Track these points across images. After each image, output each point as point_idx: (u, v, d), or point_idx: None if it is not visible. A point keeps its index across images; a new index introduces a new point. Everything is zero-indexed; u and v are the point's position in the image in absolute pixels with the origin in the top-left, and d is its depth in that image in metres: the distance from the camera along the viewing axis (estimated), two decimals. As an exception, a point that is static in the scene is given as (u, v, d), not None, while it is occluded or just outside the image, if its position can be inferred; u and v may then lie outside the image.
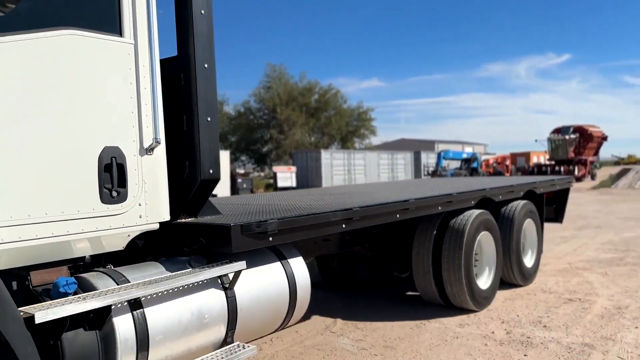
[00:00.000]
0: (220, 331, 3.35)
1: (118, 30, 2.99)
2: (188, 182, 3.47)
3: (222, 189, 28.72)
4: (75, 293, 2.72)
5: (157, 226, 3.21)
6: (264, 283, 3.68)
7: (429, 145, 69.94)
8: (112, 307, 2.77)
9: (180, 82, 3.47)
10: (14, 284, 2.72)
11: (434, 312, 5.88)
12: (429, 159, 47.13)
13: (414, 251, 5.83)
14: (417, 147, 56.17)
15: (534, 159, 50.43)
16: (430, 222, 5.77)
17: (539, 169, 42.24)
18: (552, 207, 8.58)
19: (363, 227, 4.55)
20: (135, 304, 2.89)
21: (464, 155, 44.36)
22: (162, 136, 3.16)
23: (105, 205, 2.90)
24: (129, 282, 2.97)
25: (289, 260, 3.93)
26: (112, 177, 2.91)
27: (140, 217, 3.08)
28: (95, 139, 2.86)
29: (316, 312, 6.05)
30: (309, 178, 39.16)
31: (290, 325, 4.11)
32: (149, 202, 3.13)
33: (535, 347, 4.88)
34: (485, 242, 6.13)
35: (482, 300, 5.91)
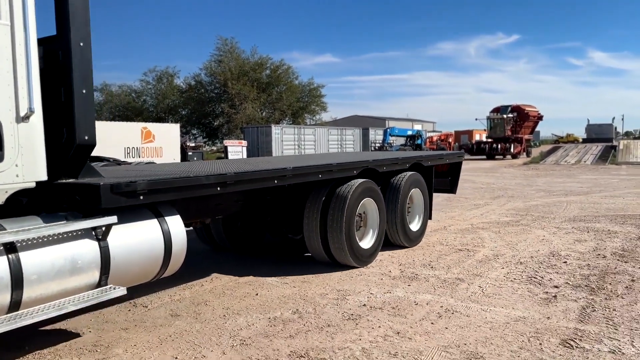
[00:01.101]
0: (95, 275, 3.91)
1: (-7, 13, 3.43)
2: (66, 146, 3.98)
3: (172, 161, 28.90)
4: None
5: (33, 185, 3.71)
6: (138, 236, 4.25)
7: (380, 122, 71.25)
8: (-13, 250, 3.29)
9: (59, 58, 3.94)
10: None
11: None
12: (377, 136, 48.26)
13: (305, 216, 6.50)
14: (369, 124, 57.20)
15: (477, 137, 52.43)
16: (320, 190, 6.45)
17: (478, 146, 44.11)
18: (447, 179, 9.44)
19: (244, 190, 5.16)
20: (10, 249, 3.41)
21: (409, 132, 45.74)
22: (37, 106, 3.64)
23: (-18, 165, 3.39)
24: (5, 229, 3.48)
25: (165, 218, 4.50)
26: (-12, 140, 3.39)
27: (17, 176, 3.58)
28: (-29, 107, 3.33)
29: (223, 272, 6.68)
30: (259, 152, 39.59)
31: (167, 276, 4.69)
32: (25, 164, 3.62)
33: (419, 280, 6.16)
34: (370, 208, 6.87)
35: (364, 258, 6.68)
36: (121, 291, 3.97)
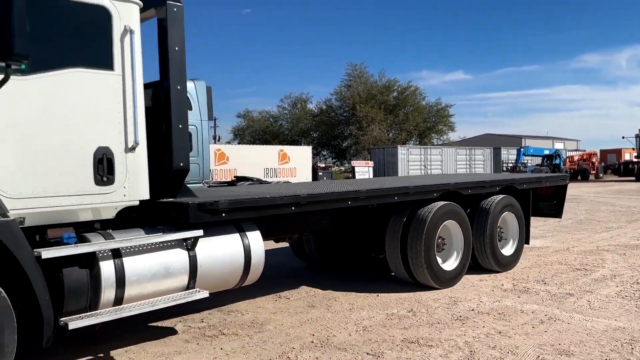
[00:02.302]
0: (184, 280, 4.68)
1: (111, 66, 4.37)
2: (165, 172, 4.83)
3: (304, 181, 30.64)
4: (75, 244, 4.15)
5: (137, 203, 4.58)
6: (222, 248, 4.97)
7: (515, 141, 67.88)
8: (100, 254, 4.18)
9: (161, 99, 4.83)
10: (37, 237, 4.18)
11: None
12: (510, 155, 46.22)
13: (387, 236, 6.86)
14: (502, 143, 54.92)
15: (626, 156, 47.79)
16: (401, 211, 6.78)
17: (626, 167, 40.27)
18: (552, 202, 9.12)
19: (324, 210, 5.68)
20: (116, 254, 4.28)
21: (546, 152, 43.17)
22: (141, 139, 4.52)
23: (99, 186, 4.31)
24: (114, 238, 4.36)
25: (247, 233, 5.19)
26: (104, 167, 4.31)
27: (124, 195, 4.47)
28: (92, 141, 4.27)
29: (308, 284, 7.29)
30: (385, 172, 40.10)
31: (247, 285, 5.36)
32: (131, 186, 4.50)
33: (529, 293, 6.63)
34: (453, 230, 7.01)
35: (445, 280, 6.83)
36: (204, 294, 4.70)
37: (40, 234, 4.20)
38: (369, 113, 53.17)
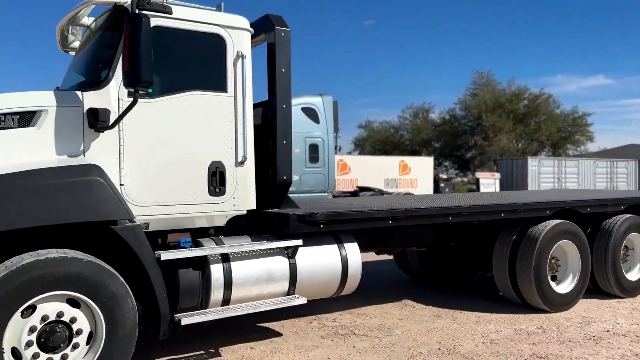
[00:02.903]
0: (285, 285, 4.99)
1: (225, 89, 4.84)
2: (271, 184, 5.20)
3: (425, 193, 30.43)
4: (190, 248, 4.64)
5: (245, 212, 4.99)
6: (320, 258, 5.22)
7: (666, 153, 60.93)
8: (211, 258, 4.63)
9: (268, 117, 5.22)
10: (159, 240, 4.74)
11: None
12: (659, 169, 41.62)
13: (494, 254, 6.66)
14: (650, 155, 49.62)
15: None
16: (511, 229, 6.55)
17: None
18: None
19: (426, 225, 5.72)
20: (225, 258, 4.71)
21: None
22: (249, 154, 4.92)
23: (212, 197, 4.77)
24: (224, 244, 4.80)
25: (345, 245, 5.39)
26: (216, 180, 4.77)
27: (234, 205, 4.90)
28: (207, 155, 4.75)
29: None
30: (514, 185, 38.18)
31: (344, 294, 5.55)
32: (240, 196, 4.92)
33: None
34: (568, 251, 6.61)
35: (558, 303, 6.46)
36: (302, 300, 4.98)
37: (162, 238, 4.76)
38: (496, 122, 51.03)
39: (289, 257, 5.03)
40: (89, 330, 3.97)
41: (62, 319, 3.86)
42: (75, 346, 3.89)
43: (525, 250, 6.32)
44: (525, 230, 6.43)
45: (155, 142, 4.52)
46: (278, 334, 5.72)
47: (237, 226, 5.35)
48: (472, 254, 7.21)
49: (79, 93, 4.29)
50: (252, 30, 5.04)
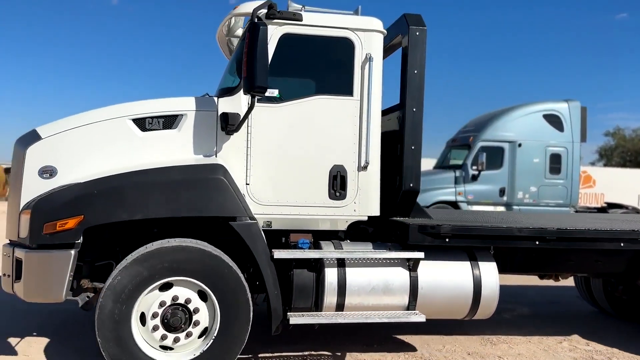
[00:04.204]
0: (404, 299, 4.74)
1: (351, 93, 4.80)
2: (397, 191, 4.99)
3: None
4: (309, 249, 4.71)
5: (365, 218, 4.87)
6: (447, 275, 4.83)
7: None
8: (327, 261, 4.64)
9: (399, 121, 5.02)
10: (282, 239, 4.91)
11: None
12: None
13: None
14: None
15: None
16: None
17: None
18: None
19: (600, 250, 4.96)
20: (341, 263, 4.67)
21: None
22: (373, 159, 4.79)
23: (332, 200, 4.77)
24: (342, 249, 4.76)
25: (479, 263, 4.89)
26: (337, 183, 4.76)
27: (354, 210, 4.82)
28: (329, 159, 4.76)
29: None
30: None
31: (477, 319, 5.03)
32: (361, 202, 4.82)
33: None
34: None
35: None
36: (420, 317, 4.66)
37: (285, 237, 4.92)
38: None
39: (409, 270, 4.76)
40: (206, 325, 4.30)
41: (188, 305, 4.26)
42: (189, 334, 4.25)
43: None
44: None
45: (280, 145, 4.69)
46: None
47: (364, 232, 5.27)
48: None
49: (215, 99, 4.68)
50: (384, 31, 4.91)
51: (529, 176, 12.86)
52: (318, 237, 4.95)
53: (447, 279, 4.83)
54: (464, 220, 5.07)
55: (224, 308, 4.27)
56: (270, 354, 5.17)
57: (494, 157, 12.87)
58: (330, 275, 4.63)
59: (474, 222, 4.93)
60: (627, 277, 6.17)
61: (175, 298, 4.23)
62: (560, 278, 6.17)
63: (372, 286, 4.69)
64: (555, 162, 13.00)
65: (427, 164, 16.70)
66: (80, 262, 4.40)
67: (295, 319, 4.49)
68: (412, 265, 4.76)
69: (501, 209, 12.74)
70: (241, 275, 4.35)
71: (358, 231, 5.24)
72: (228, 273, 4.29)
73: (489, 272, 4.89)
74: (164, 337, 4.21)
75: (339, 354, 5.27)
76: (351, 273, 4.67)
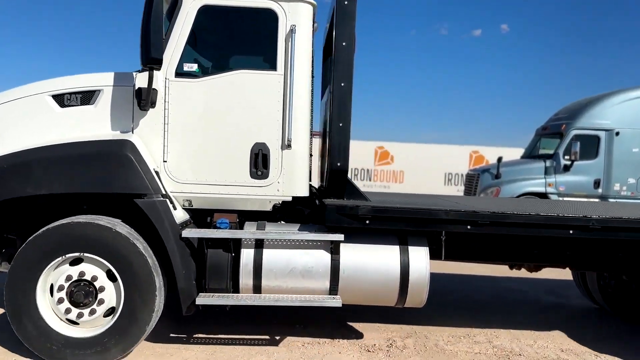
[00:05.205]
0: (325, 283, 4.51)
1: (275, 67, 4.59)
2: (326, 171, 4.73)
3: None
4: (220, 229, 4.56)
5: (290, 199, 4.66)
6: (371, 259, 4.53)
7: None
8: (244, 242, 4.48)
9: (328, 98, 4.75)
10: (208, 219, 4.79)
11: None
12: None
13: None
14: None
15: None
16: None
17: None
18: None
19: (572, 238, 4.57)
20: (259, 244, 4.50)
21: None
22: (297, 137, 4.57)
23: (254, 179, 4.60)
24: (264, 229, 4.58)
25: (409, 248, 4.56)
26: (259, 162, 4.57)
27: (278, 190, 4.63)
28: (251, 137, 4.58)
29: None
30: None
31: (412, 306, 4.71)
32: (285, 182, 4.61)
33: None
34: None
35: None
36: (336, 302, 4.43)
37: (210, 217, 4.80)
38: None
39: (331, 253, 4.51)
40: (113, 305, 4.25)
41: (94, 282, 4.23)
42: (93, 312, 4.22)
43: None
44: None
45: (199, 121, 4.56)
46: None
47: (301, 214, 5.06)
48: None
49: (134, 74, 4.61)
50: (314, 3, 4.65)
51: (627, 167, 11.97)
52: (250, 217, 4.81)
53: (372, 263, 4.54)
54: (399, 203, 4.73)
55: (129, 291, 4.20)
56: (206, 335, 5.09)
57: (589, 146, 12.01)
58: (246, 256, 4.48)
59: (403, 205, 4.58)
60: (610, 271, 5.63)
61: (82, 274, 4.22)
62: (532, 269, 5.67)
63: (291, 269, 4.49)
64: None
65: (515, 153, 16.08)
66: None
67: (202, 299, 4.38)
68: (333, 248, 4.51)
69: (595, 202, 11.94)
70: (151, 259, 4.26)
71: (296, 213, 5.05)
72: (135, 256, 4.20)
73: (418, 258, 4.55)
74: (68, 311, 4.21)
75: (277, 337, 5.10)
76: (268, 254, 4.49)
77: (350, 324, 5.58)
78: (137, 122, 4.55)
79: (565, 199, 11.64)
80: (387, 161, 21.77)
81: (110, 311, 4.27)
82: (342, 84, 4.64)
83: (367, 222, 4.39)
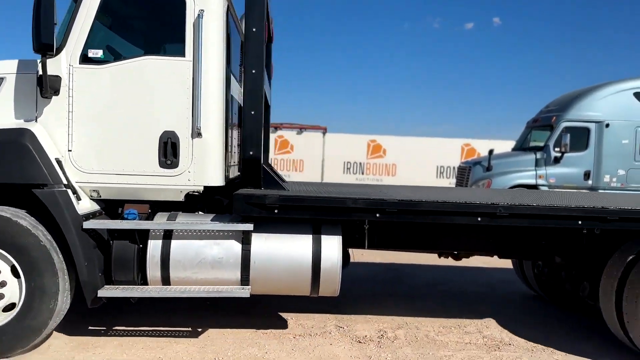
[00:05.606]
0: (236, 273, 4.40)
1: (183, 53, 4.46)
2: (240, 160, 4.63)
3: None
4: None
5: (201, 189, 4.54)
6: (283, 248, 4.43)
7: None
8: (152, 232, 4.36)
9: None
10: (119, 210, 4.66)
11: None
12: None
13: (603, 277, 4.79)
14: None
15: None
16: (632, 245, 4.64)
17: None
18: None
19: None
20: (167, 235, 4.37)
21: None
22: (207, 126, 4.44)
23: (163, 169, 4.47)
24: (175, 221, 4.45)
25: (322, 237, 4.47)
26: (168, 151, 4.45)
27: (188, 180, 4.50)
28: (159, 125, 4.46)
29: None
30: None
31: (328, 296, 4.61)
32: (196, 171, 4.49)
33: None
34: None
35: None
36: (244, 293, 4.33)
37: (122, 208, 4.67)
38: None
39: (242, 243, 4.41)
40: (14, 301, 4.12)
41: None
42: None
43: (636, 276, 4.41)
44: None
45: (105, 109, 4.43)
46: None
47: (220, 204, 4.95)
48: (579, 274, 5.37)
49: (38, 61, 4.46)
50: None
51: (616, 158, 11.97)
52: (170, 208, 4.69)
53: (283, 252, 4.44)
54: (315, 192, 4.64)
55: (30, 288, 4.09)
56: (125, 328, 4.97)
57: (579, 138, 11.99)
58: (153, 247, 4.37)
59: (314, 194, 4.49)
60: (535, 259, 5.68)
61: None
62: (461, 257, 5.61)
63: (200, 259, 4.38)
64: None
65: (506, 145, 16.18)
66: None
67: (105, 291, 4.25)
68: (244, 238, 4.41)
69: (586, 193, 11.94)
70: (55, 252, 4.14)
71: (218, 203, 4.94)
72: (37, 252, 4.08)
73: (330, 247, 4.45)
74: (-34, 303, 4.07)
75: (200, 329, 5.00)
76: (176, 245, 4.38)
77: (342, 315, 5.58)
78: (40, 110, 4.41)
79: (556, 190, 11.69)
80: (380, 154, 21.75)
81: (11, 306, 4.13)
82: (253, 71, 4.53)
83: (276, 211, 4.29)
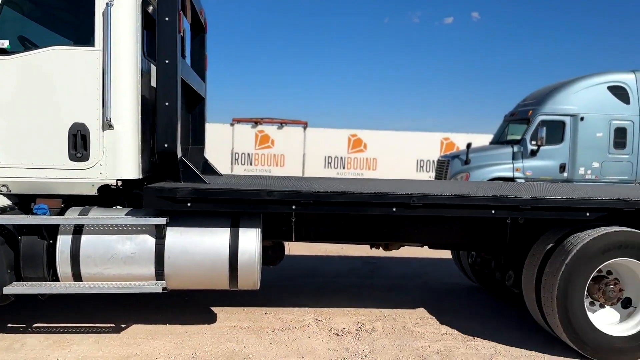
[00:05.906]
0: (149, 269, 4.26)
1: (92, 43, 4.31)
2: (155, 153, 4.49)
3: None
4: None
5: (114, 181, 4.40)
6: (199, 242, 4.29)
7: None
8: (62, 227, 4.23)
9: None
10: (32, 205, 4.51)
11: None
12: None
13: (525, 265, 4.75)
14: None
15: None
16: (551, 235, 4.60)
17: None
18: None
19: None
20: (76, 230, 4.24)
21: None
22: (119, 117, 4.30)
23: (72, 162, 4.32)
24: (86, 216, 4.32)
25: (240, 230, 4.34)
26: (78, 144, 4.31)
27: (100, 173, 4.36)
28: (68, 117, 4.31)
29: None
30: None
31: (248, 289, 4.48)
32: (108, 164, 4.35)
33: None
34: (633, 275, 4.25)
35: (597, 347, 4.27)
36: (156, 288, 4.21)
37: (34, 203, 4.52)
38: None
39: (156, 237, 4.27)
40: None
41: None
42: None
43: (553, 265, 4.34)
44: (564, 239, 4.42)
45: (11, 101, 4.27)
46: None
47: (140, 198, 4.80)
48: (506, 264, 5.30)
49: None
50: None
51: (591, 151, 12.07)
52: (88, 202, 4.55)
53: (199, 246, 4.30)
54: (234, 185, 4.50)
55: None
56: (46, 324, 4.84)
57: (555, 131, 12.05)
58: (62, 243, 4.22)
59: (232, 186, 4.36)
60: (463, 249, 5.85)
61: None
62: (391, 248, 5.50)
63: (111, 255, 4.24)
64: (620, 137, 12.06)
65: (484, 139, 16.23)
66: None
67: (11, 288, 4.12)
68: (158, 233, 4.28)
69: (562, 185, 11.97)
70: None
71: (138, 197, 4.79)
72: None
73: (248, 240, 4.33)
74: None
75: (123, 325, 4.88)
76: (87, 241, 4.24)
77: (320, 309, 5.53)
78: None
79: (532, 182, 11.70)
80: (361, 149, 21.60)
81: None
82: (167, 61, 4.38)
83: (189, 204, 4.15)
